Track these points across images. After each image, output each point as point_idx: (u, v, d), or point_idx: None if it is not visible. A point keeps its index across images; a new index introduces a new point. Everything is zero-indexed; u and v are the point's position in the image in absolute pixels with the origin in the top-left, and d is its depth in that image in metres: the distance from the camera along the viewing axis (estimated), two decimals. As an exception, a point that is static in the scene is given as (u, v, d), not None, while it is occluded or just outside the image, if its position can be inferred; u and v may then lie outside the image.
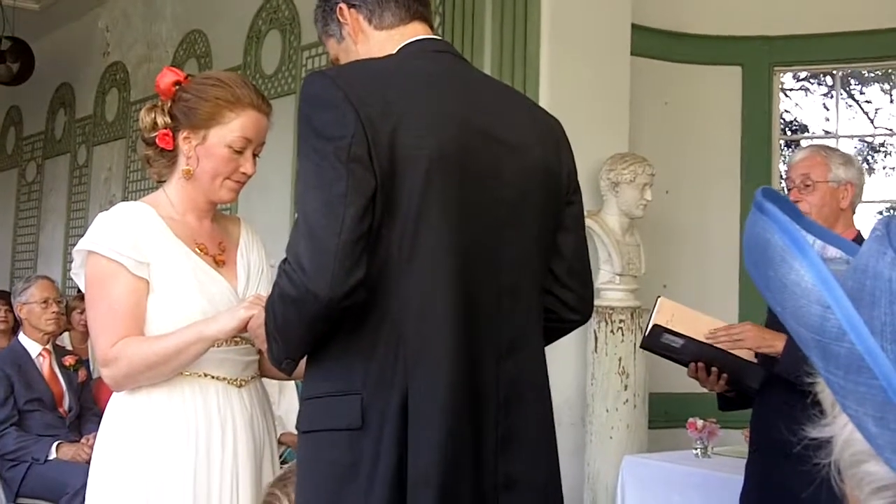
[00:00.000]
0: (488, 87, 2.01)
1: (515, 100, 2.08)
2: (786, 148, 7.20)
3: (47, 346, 4.74)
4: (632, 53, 5.27)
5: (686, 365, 2.92)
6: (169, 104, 2.28)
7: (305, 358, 1.86)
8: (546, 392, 1.97)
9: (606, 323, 4.74)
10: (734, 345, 2.82)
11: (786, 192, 3.01)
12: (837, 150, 3.11)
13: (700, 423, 4.03)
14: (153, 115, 2.28)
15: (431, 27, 2.01)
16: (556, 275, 2.01)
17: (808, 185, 2.91)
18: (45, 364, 4.71)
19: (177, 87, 2.28)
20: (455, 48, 2.01)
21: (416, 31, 1.96)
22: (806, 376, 0.79)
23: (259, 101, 2.27)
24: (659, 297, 2.93)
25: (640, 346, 3.03)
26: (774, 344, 2.77)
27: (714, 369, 2.87)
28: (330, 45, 2.05)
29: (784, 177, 3.07)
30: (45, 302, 4.70)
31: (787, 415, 2.79)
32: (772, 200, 0.78)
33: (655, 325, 2.82)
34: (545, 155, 1.96)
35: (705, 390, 3.00)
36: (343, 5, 1.97)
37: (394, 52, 1.93)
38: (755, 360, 2.83)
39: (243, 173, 2.27)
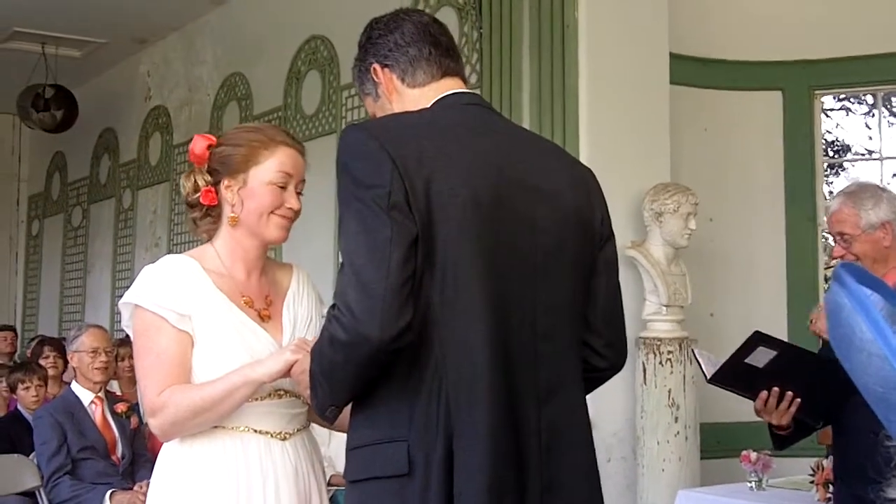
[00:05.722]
0: (519, 137, 2.05)
1: (546, 148, 2.11)
2: (829, 170, 7.14)
3: (99, 394, 4.76)
4: (670, 82, 5.26)
5: (754, 397, 2.86)
6: (206, 166, 2.32)
7: (349, 408, 1.87)
8: (588, 437, 1.97)
9: (654, 355, 4.71)
10: None
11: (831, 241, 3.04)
12: (866, 188, 3.05)
13: (753, 455, 3.97)
14: (193, 179, 2.32)
15: (464, 81, 2.06)
16: (588, 321, 2.00)
17: (846, 240, 2.95)
18: (97, 412, 4.72)
19: (209, 149, 2.32)
20: (486, 100, 2.07)
21: (448, 86, 2.00)
22: None
23: (290, 139, 2.32)
24: (693, 349, 2.88)
25: (711, 380, 2.89)
26: None
27: (788, 394, 2.81)
28: (367, 103, 2.11)
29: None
30: (94, 351, 4.71)
31: (872, 442, 2.78)
32: (849, 272, 0.83)
33: (756, 332, 2.73)
34: (578, 201, 1.98)
35: (757, 419, 2.95)
36: (377, 65, 2.03)
37: (427, 106, 1.97)
38: None
39: (289, 208, 2.29)
